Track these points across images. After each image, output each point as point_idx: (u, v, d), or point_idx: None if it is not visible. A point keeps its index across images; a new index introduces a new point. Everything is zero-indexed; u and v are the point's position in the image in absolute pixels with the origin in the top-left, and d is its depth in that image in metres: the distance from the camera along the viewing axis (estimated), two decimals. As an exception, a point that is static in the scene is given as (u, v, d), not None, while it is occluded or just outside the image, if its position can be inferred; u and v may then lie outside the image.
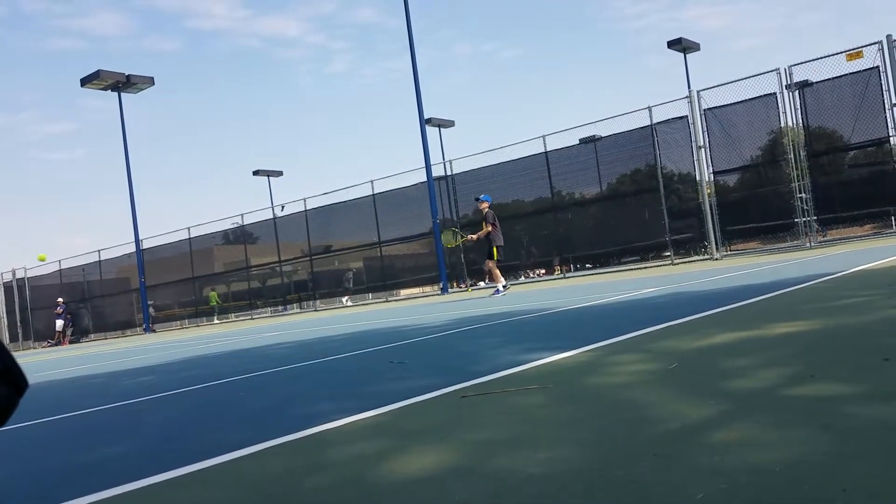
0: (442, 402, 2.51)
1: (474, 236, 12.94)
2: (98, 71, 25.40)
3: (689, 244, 18.46)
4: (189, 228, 28.21)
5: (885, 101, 14.67)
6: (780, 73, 15.69)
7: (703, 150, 16.71)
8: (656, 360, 2.79)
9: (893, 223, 17.71)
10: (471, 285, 21.13)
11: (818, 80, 15.52)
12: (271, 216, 26.10)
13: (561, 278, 19.57)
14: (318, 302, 25.52)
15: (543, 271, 24.78)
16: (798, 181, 15.83)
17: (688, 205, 17.47)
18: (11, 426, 3.20)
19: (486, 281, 21.29)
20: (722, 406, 1.86)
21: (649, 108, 17.41)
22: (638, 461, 1.47)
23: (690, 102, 16.74)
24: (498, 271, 12.40)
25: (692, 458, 1.45)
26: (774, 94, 15.86)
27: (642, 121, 17.63)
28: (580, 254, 20.58)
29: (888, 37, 14.47)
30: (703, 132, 16.69)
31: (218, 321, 27.66)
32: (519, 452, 1.68)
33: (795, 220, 15.95)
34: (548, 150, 19.40)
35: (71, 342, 29.26)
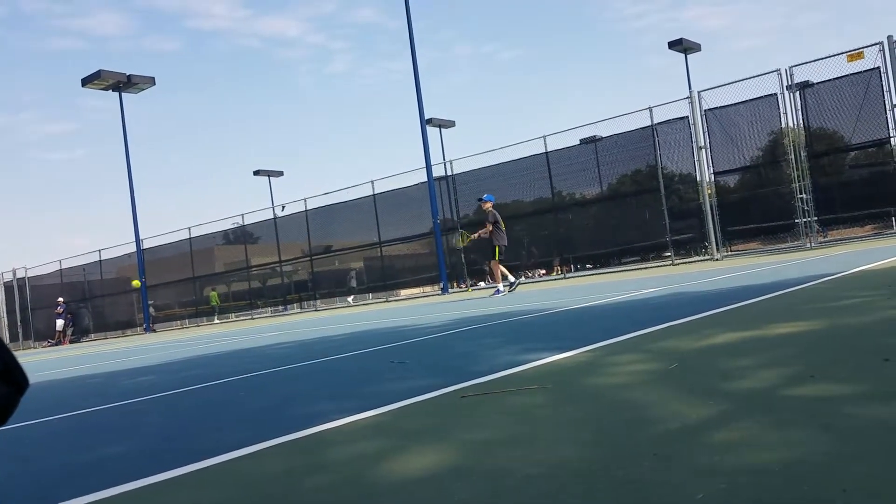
0: (442, 402, 2.51)
1: (476, 235, 12.97)
2: (99, 71, 25.41)
3: (690, 245, 18.46)
4: (189, 228, 28.24)
5: (886, 102, 14.67)
6: (780, 74, 15.68)
7: (703, 150, 16.71)
8: (656, 360, 2.79)
9: (894, 224, 17.70)
10: (471, 285, 21.13)
11: (819, 80, 15.52)
12: (272, 216, 26.11)
13: (561, 278, 19.57)
14: (318, 302, 25.54)
15: (544, 271, 24.79)
16: (799, 182, 15.83)
17: (688, 205, 17.47)
18: (11, 426, 3.20)
19: (487, 281, 21.30)
20: (722, 406, 1.86)
21: (650, 109, 17.41)
22: (638, 461, 1.47)
23: (691, 103, 16.74)
24: (500, 271, 12.39)
25: (692, 458, 1.45)
26: (775, 94, 15.86)
27: (643, 121, 17.64)
28: (580, 254, 20.58)
29: (889, 37, 14.47)
30: (703, 133, 16.69)
31: (218, 321, 27.66)
32: (518, 452, 1.68)
33: (796, 220, 15.95)
34: (548, 150, 19.40)
35: (71, 342, 29.27)
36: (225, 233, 28.49)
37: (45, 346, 29.55)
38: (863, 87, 14.91)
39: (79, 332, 30.94)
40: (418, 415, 2.37)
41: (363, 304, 22.80)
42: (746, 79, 16.17)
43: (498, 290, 12.38)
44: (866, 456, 1.32)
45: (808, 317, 3.57)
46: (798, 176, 15.83)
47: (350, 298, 24.61)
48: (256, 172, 40.65)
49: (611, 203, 19.42)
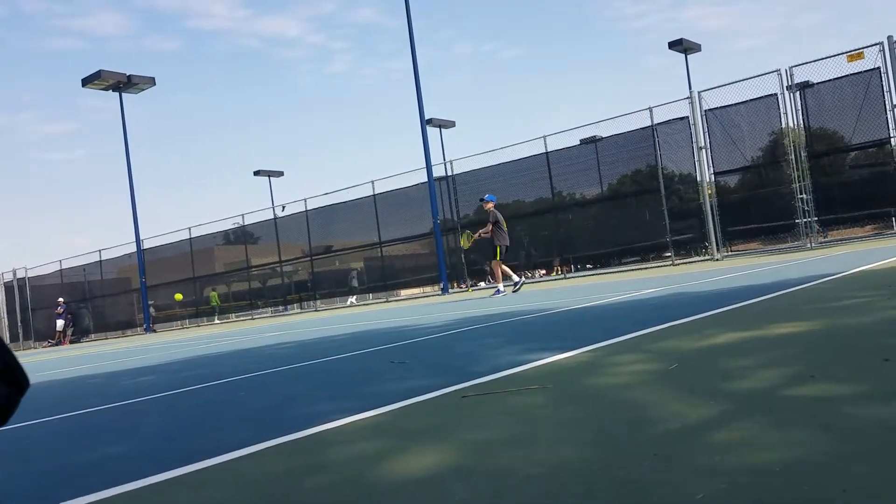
0: (442, 402, 2.51)
1: (477, 234, 12.96)
2: (99, 71, 25.42)
3: (690, 245, 18.46)
4: (190, 228, 28.25)
5: (886, 102, 14.67)
6: (780, 74, 15.68)
7: (703, 150, 16.71)
8: (657, 360, 2.79)
9: (894, 224, 17.70)
10: (471, 286, 21.13)
11: (819, 80, 15.53)
12: (272, 216, 26.12)
13: (561, 279, 19.57)
14: (318, 302, 25.54)
15: (544, 272, 24.79)
16: (799, 182, 15.82)
17: (688, 205, 17.47)
18: (12, 426, 3.20)
19: (488, 281, 21.30)
20: (722, 406, 1.86)
21: (650, 109, 17.41)
22: (638, 461, 1.47)
23: (691, 103, 16.74)
24: (503, 271, 12.36)
25: (692, 458, 1.45)
26: (775, 94, 15.86)
27: (643, 121, 17.64)
28: (581, 254, 20.58)
29: (889, 38, 14.47)
30: (703, 133, 16.69)
31: (218, 321, 27.67)
32: (519, 452, 1.68)
33: (796, 220, 15.94)
34: (548, 150, 19.41)
35: (71, 342, 29.27)
36: (225, 233, 28.50)
37: (45, 347, 29.56)
38: (863, 88, 14.91)
39: (79, 333, 30.94)
40: (419, 415, 2.37)
41: (363, 305, 22.80)
42: (747, 79, 16.19)
43: (498, 290, 12.36)
44: (866, 456, 1.32)
45: (808, 317, 3.57)
46: (798, 176, 15.83)
47: (354, 298, 24.61)
48: (257, 173, 40.63)
49: (611, 203, 19.42)
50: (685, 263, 16.85)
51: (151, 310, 28.17)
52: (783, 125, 16.08)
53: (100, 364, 8.50)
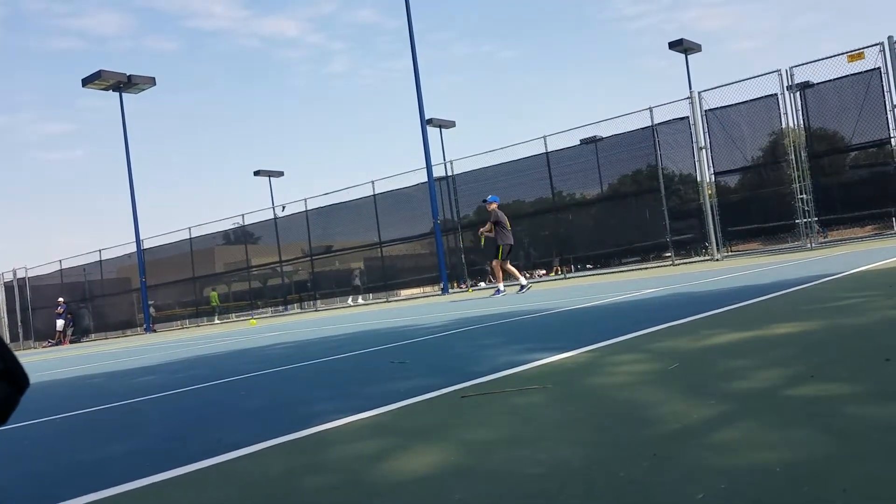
0: (442, 402, 2.50)
1: (481, 232, 12.87)
2: (99, 71, 25.42)
3: (690, 245, 18.47)
4: (190, 228, 28.26)
5: (887, 102, 14.66)
6: (781, 74, 15.68)
7: (704, 150, 16.71)
8: (657, 360, 2.79)
9: (894, 224, 17.70)
10: (471, 286, 21.12)
11: (819, 81, 15.53)
12: (272, 216, 26.12)
13: (561, 279, 19.57)
14: (318, 302, 25.54)
15: (544, 272, 24.80)
16: (799, 182, 15.82)
17: (689, 205, 17.47)
18: (12, 425, 3.20)
19: (488, 281, 21.31)
20: (722, 406, 1.86)
21: (650, 109, 17.41)
22: (638, 461, 1.47)
23: (692, 103, 16.74)
24: (510, 271, 12.31)
25: (692, 458, 1.45)
26: (776, 95, 15.86)
27: (643, 121, 17.64)
28: (581, 254, 20.58)
29: (889, 38, 14.47)
30: (704, 133, 16.69)
31: (219, 321, 27.67)
32: (519, 452, 1.68)
33: (796, 221, 15.94)
34: (549, 150, 19.40)
35: (71, 342, 29.27)
36: (225, 233, 28.51)
37: (45, 346, 29.56)
38: (863, 88, 14.91)
39: (79, 332, 30.95)
40: (419, 415, 2.37)
41: (363, 305, 22.80)
42: (747, 79, 16.20)
43: (499, 289, 12.33)
44: (866, 456, 1.32)
45: (808, 317, 3.57)
46: (798, 176, 15.83)
47: (359, 298, 24.63)
48: (257, 173, 40.64)
49: (611, 203, 19.42)
50: (685, 263, 16.85)
51: (151, 310, 28.17)
52: (783, 125, 16.08)
53: (100, 364, 8.50)
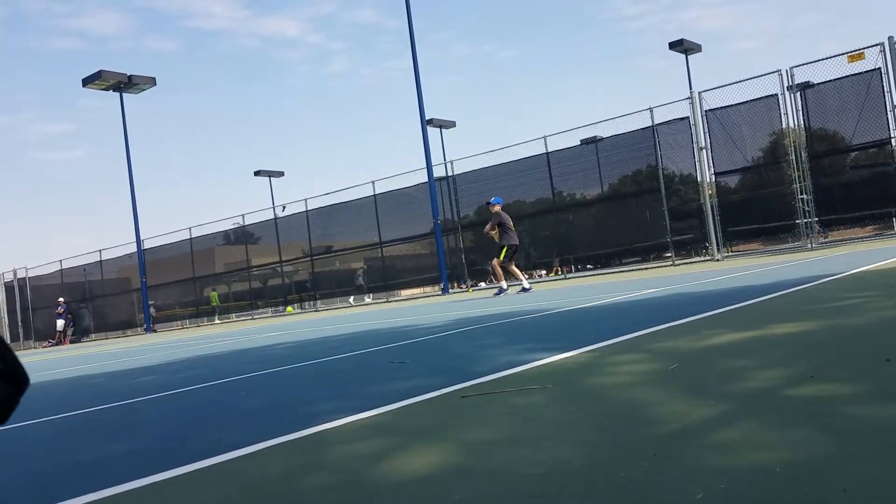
0: (442, 402, 2.50)
1: (485, 231, 12.80)
2: (100, 71, 25.44)
3: (691, 245, 18.46)
4: (190, 228, 28.26)
5: (887, 103, 14.66)
6: (781, 75, 15.68)
7: (704, 151, 16.70)
8: (657, 360, 2.79)
9: (895, 224, 17.70)
10: (472, 286, 21.13)
11: (819, 81, 15.53)
12: (272, 216, 26.13)
13: (562, 279, 19.57)
14: (318, 302, 25.54)
15: (544, 272, 24.80)
16: (799, 182, 15.82)
17: (689, 206, 17.47)
18: (11, 425, 3.20)
19: (488, 281, 21.31)
20: (722, 406, 1.86)
21: (650, 109, 17.41)
22: (638, 461, 1.47)
23: (692, 103, 16.74)
24: (509, 271, 12.28)
25: (692, 458, 1.45)
26: (776, 95, 15.86)
27: (643, 122, 17.64)
28: (581, 255, 20.58)
29: (889, 38, 14.46)
30: (704, 133, 16.69)
31: (219, 321, 27.67)
32: (519, 452, 1.68)
33: (797, 221, 15.94)
34: (549, 150, 19.40)
35: (72, 342, 29.27)
36: (225, 233, 28.51)
37: (45, 346, 29.57)
38: (863, 88, 14.91)
39: (79, 332, 30.95)
40: (418, 415, 2.37)
41: (363, 305, 22.81)
42: (747, 79, 16.19)
43: (501, 288, 12.31)
44: (866, 456, 1.32)
45: (808, 317, 3.57)
46: (799, 176, 15.83)
47: (364, 297, 24.62)
48: (257, 173, 40.66)
49: (611, 203, 19.41)
50: (685, 264, 16.85)
51: (151, 310, 28.17)
52: (784, 125, 16.08)
53: (100, 364, 8.50)
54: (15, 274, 34.50)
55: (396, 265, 24.04)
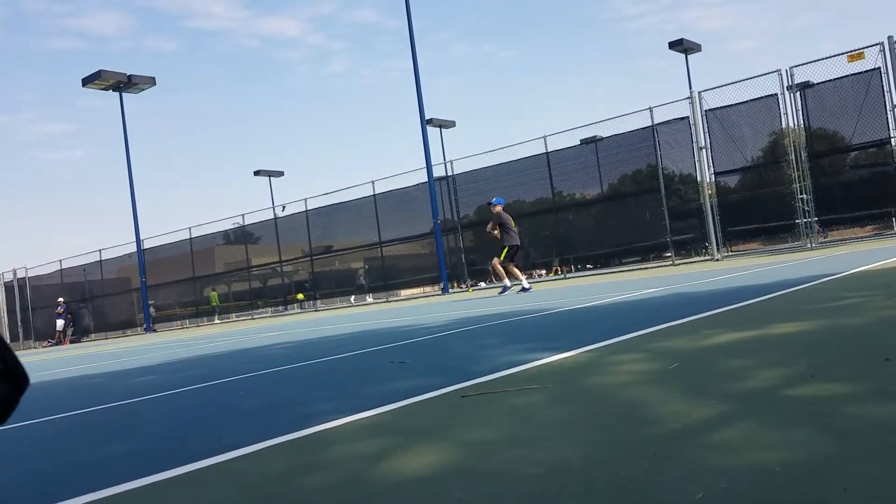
0: (442, 401, 2.50)
1: (487, 231, 12.80)
2: (99, 71, 25.43)
3: (690, 245, 18.46)
4: (190, 228, 28.26)
5: (887, 102, 14.66)
6: (781, 75, 15.68)
7: (704, 150, 16.70)
8: (657, 360, 2.79)
9: (894, 224, 17.70)
10: (471, 286, 21.12)
11: (819, 81, 15.53)
12: (272, 216, 26.12)
13: (561, 279, 19.57)
14: (318, 302, 25.54)
15: (544, 272, 24.80)
16: (799, 182, 15.82)
17: (689, 205, 17.47)
18: (11, 425, 3.20)
19: (488, 281, 21.31)
20: (722, 406, 1.86)
21: (650, 109, 17.41)
22: (638, 461, 1.47)
23: (692, 103, 16.74)
24: (509, 271, 12.28)
25: (692, 458, 1.45)
26: (776, 95, 15.86)
27: (643, 121, 17.64)
28: (581, 254, 20.58)
29: (889, 38, 14.46)
30: (704, 133, 16.69)
31: (219, 321, 27.67)
32: (519, 452, 1.68)
33: (796, 221, 15.94)
34: (549, 150, 19.40)
35: (71, 342, 29.27)
36: (225, 233, 28.51)
37: (45, 346, 29.56)
38: (863, 88, 14.91)
39: (79, 332, 30.94)
40: (418, 415, 2.36)
41: (363, 305, 22.80)
42: (747, 79, 16.20)
43: (505, 286, 12.32)
44: (866, 456, 1.32)
45: (808, 317, 3.57)
46: (798, 176, 15.83)
47: (366, 297, 24.60)
48: (257, 173, 40.65)
49: (611, 203, 19.41)
50: (685, 264, 16.85)
51: (151, 310, 28.16)
52: (783, 125, 16.08)
53: (100, 364, 8.50)
54: (15, 274, 34.50)
55: (396, 265, 24.03)
